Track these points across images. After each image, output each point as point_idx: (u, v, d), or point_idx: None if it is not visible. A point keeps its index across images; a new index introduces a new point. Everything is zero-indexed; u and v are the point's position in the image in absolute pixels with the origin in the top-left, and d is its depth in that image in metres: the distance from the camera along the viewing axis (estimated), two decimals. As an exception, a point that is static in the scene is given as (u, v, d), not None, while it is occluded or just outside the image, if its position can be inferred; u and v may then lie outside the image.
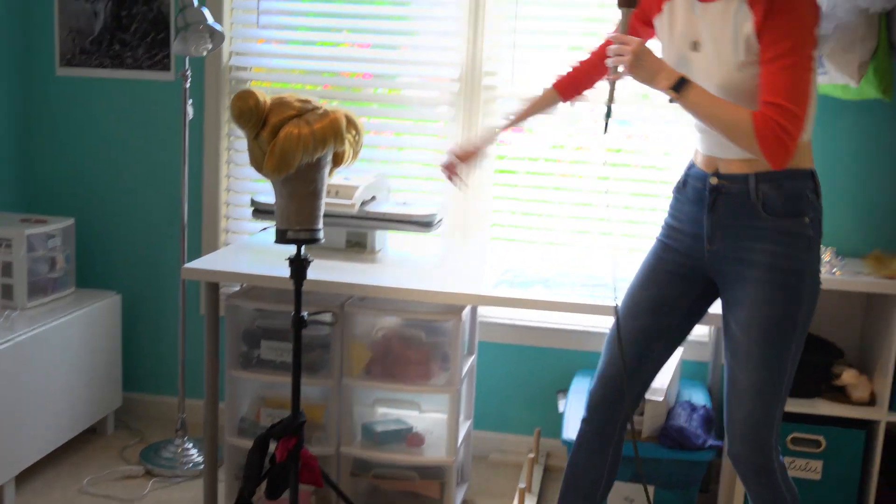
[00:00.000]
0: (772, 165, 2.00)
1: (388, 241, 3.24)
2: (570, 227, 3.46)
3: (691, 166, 2.28)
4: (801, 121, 1.96)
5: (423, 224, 3.04)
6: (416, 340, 2.92)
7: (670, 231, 2.31)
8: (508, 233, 3.50)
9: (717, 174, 2.15)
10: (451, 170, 2.62)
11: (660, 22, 2.23)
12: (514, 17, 3.34)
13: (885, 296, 2.96)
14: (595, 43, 2.47)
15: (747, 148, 2.00)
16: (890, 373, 2.93)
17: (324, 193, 2.42)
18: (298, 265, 2.43)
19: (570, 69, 2.49)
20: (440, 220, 3.11)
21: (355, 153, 2.45)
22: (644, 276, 2.35)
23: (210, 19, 3.02)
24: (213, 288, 2.80)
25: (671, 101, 2.05)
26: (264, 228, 3.37)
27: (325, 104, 2.37)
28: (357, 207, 2.99)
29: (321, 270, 2.73)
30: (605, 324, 3.21)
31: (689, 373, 3.35)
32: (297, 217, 2.37)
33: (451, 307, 2.89)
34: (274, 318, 2.94)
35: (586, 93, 2.51)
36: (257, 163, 2.33)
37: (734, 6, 2.02)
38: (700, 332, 3.37)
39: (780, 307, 2.09)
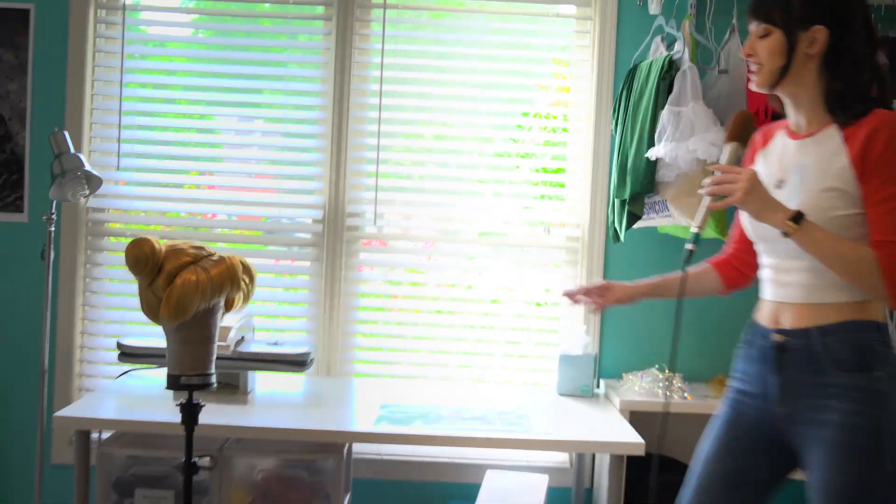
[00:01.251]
0: (893, 304, 1.95)
1: (257, 382, 3.24)
2: (435, 361, 3.57)
3: (753, 323, 2.22)
4: None
5: (297, 363, 3.07)
6: (298, 480, 2.91)
7: (738, 395, 2.22)
8: (373, 369, 3.57)
9: (779, 330, 2.10)
10: (589, 294, 2.55)
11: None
12: (374, 162, 3.49)
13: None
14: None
15: (868, 285, 1.96)
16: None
17: (216, 338, 2.43)
18: (190, 410, 2.41)
19: (725, 255, 2.47)
20: (312, 359, 3.15)
21: (247, 297, 2.48)
22: (718, 442, 2.23)
23: (87, 165, 3.00)
24: (84, 437, 2.71)
25: (785, 234, 1.96)
26: (125, 372, 3.29)
27: (219, 250, 2.40)
28: (231, 348, 2.99)
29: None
30: (481, 455, 3.35)
31: (552, 499, 3.47)
32: (191, 362, 2.35)
33: (331, 445, 2.91)
34: (149, 464, 2.85)
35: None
36: (151, 309, 2.31)
37: (830, 139, 2.02)
38: (562, 458, 3.53)
39: (857, 471, 1.96)
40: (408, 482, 3.51)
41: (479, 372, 3.57)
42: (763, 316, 2.18)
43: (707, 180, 2.04)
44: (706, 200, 2.04)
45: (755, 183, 1.97)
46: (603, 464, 3.07)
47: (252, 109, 3.58)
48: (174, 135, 3.58)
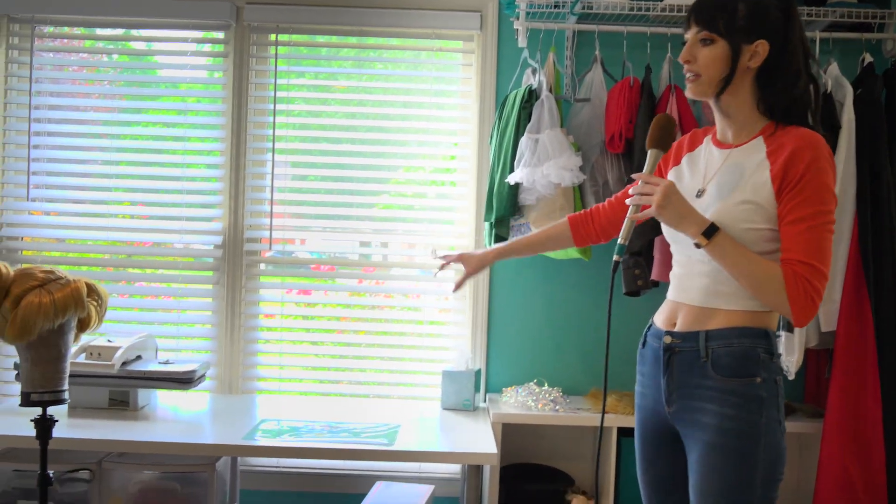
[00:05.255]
0: (797, 322, 1.98)
1: (158, 398, 3.43)
2: (333, 378, 3.74)
3: (651, 324, 2.28)
4: (826, 279, 1.97)
5: (184, 381, 3.24)
6: (172, 492, 3.08)
7: (639, 397, 2.30)
8: (274, 385, 3.74)
9: (670, 332, 2.16)
10: (449, 259, 2.66)
11: (675, 173, 2.26)
12: (270, 188, 3.68)
13: (605, 427, 3.35)
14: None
15: (772, 302, 2.00)
16: (611, 495, 3.29)
17: (69, 356, 2.60)
18: (43, 426, 2.58)
19: (590, 209, 2.52)
20: (201, 377, 3.32)
21: (100, 318, 2.66)
22: (639, 453, 2.31)
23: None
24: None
25: (698, 246, 2.03)
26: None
27: (69, 274, 2.58)
28: (117, 367, 3.17)
29: (79, 429, 2.89)
30: (373, 466, 3.52)
31: (442, 510, 3.63)
32: (42, 380, 2.53)
33: (206, 458, 3.08)
34: (31, 477, 3.04)
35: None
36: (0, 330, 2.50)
37: (755, 152, 2.06)
38: (452, 469, 3.68)
39: (733, 473, 2.02)
40: (297, 493, 3.67)
41: (372, 388, 3.74)
42: (660, 317, 2.24)
43: (631, 190, 2.09)
44: (630, 211, 2.08)
45: (671, 193, 2.01)
46: (490, 475, 3.21)
47: (154, 142, 3.76)
48: (81, 167, 3.76)
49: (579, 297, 3.64)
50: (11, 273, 2.49)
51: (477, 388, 3.52)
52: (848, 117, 3.11)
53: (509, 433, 3.46)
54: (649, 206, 2.03)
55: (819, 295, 1.96)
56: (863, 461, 3.08)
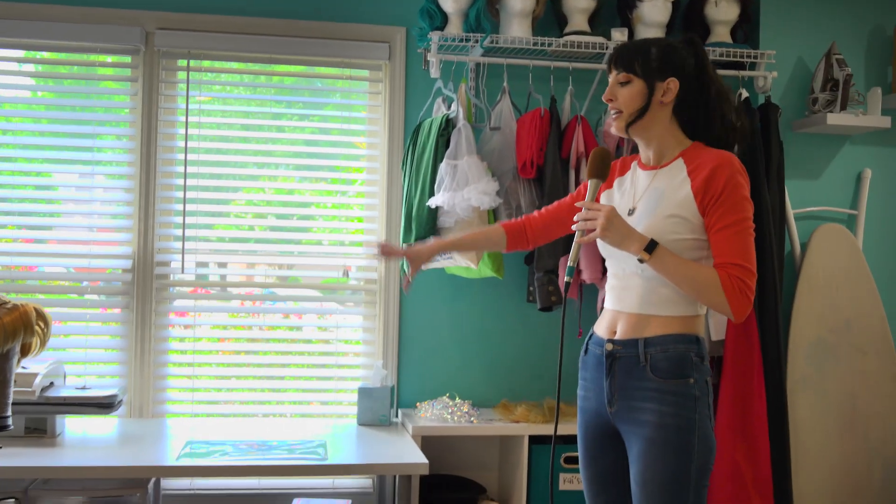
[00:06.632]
0: (736, 318, 2.20)
1: (67, 426, 3.38)
2: (244, 398, 3.79)
3: (592, 333, 2.46)
4: (755, 276, 2.20)
5: (105, 406, 3.22)
6: (103, 517, 3.06)
7: (582, 401, 2.47)
8: (184, 409, 3.75)
9: (611, 340, 2.35)
10: (387, 251, 2.67)
11: (606, 196, 2.47)
12: (181, 213, 3.70)
13: (514, 437, 3.56)
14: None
15: (714, 303, 2.20)
16: (523, 502, 3.49)
17: (12, 382, 2.58)
18: (-13, 452, 2.55)
19: (522, 218, 2.66)
20: (120, 401, 3.31)
21: (43, 343, 2.65)
22: (582, 450, 2.47)
23: None
24: None
25: (641, 261, 2.21)
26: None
27: (14, 299, 2.56)
28: (38, 393, 3.13)
29: (1, 457, 2.83)
30: (287, 484, 3.59)
31: (358, 523, 3.73)
32: (-14, 406, 2.51)
33: (136, 481, 3.08)
34: (-47, 510, 2.96)
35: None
36: (-54, 356, 2.46)
37: (677, 171, 2.29)
38: (365, 483, 3.79)
39: (672, 464, 2.21)
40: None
41: (284, 407, 3.81)
42: (600, 326, 2.43)
43: (576, 217, 2.27)
44: (577, 236, 2.25)
45: (613, 217, 2.20)
46: (398, 487, 3.34)
47: (64, 165, 3.73)
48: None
49: (484, 314, 3.84)
50: (-43, 298, 2.46)
51: (391, 404, 3.66)
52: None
53: (423, 445, 3.61)
54: (594, 231, 2.23)
55: (751, 291, 2.19)
56: (751, 456, 3.42)
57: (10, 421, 2.58)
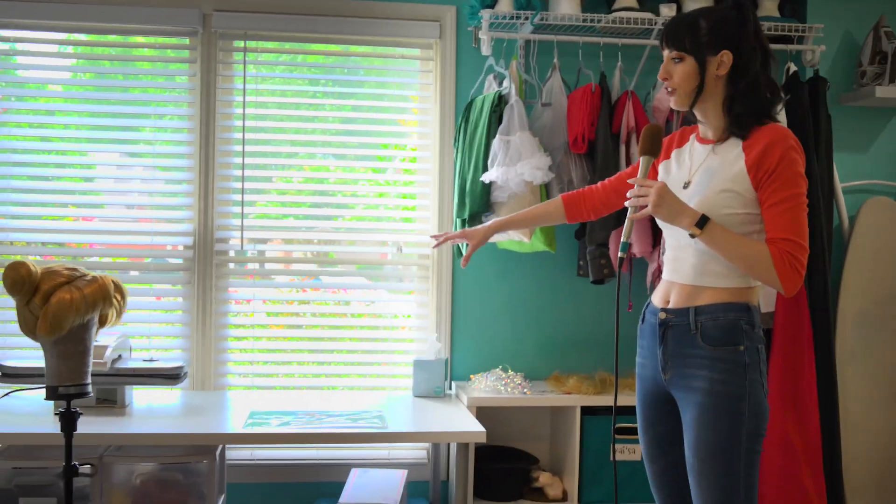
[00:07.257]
0: (787, 292, 2.23)
1: (134, 397, 3.50)
2: (303, 372, 3.90)
3: (648, 303, 2.53)
4: (807, 251, 2.22)
5: (172, 377, 3.34)
6: (174, 483, 3.18)
7: (639, 368, 2.54)
8: (245, 381, 3.86)
9: (665, 309, 2.41)
10: (445, 239, 2.85)
11: (664, 167, 2.53)
12: (240, 192, 3.80)
13: (566, 408, 3.63)
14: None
15: (765, 278, 2.23)
16: (576, 472, 3.57)
17: (91, 351, 2.69)
18: (69, 418, 2.66)
19: (585, 188, 2.77)
20: (186, 373, 3.43)
21: (119, 314, 2.75)
22: (640, 416, 2.55)
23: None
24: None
25: (693, 236, 2.26)
26: (7, 393, 3.49)
27: (90, 272, 2.67)
28: (108, 365, 3.25)
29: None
30: (346, 455, 3.69)
31: (413, 492, 3.82)
32: (68, 374, 2.60)
33: (204, 448, 3.20)
34: (32, 475, 3.08)
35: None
36: (29, 326, 2.56)
37: (732, 147, 2.32)
38: (420, 454, 3.89)
39: (723, 430, 2.27)
40: (278, 483, 3.80)
41: (342, 380, 3.91)
42: (657, 295, 2.49)
43: (628, 193, 2.32)
44: (630, 212, 2.31)
45: (665, 193, 2.25)
46: (455, 456, 3.43)
47: (126, 146, 3.85)
48: (52, 170, 3.82)
49: (535, 289, 3.92)
50: (39, 270, 2.57)
51: (446, 376, 3.74)
52: (781, 120, 3.49)
53: (477, 417, 3.69)
54: (646, 207, 2.28)
55: (802, 266, 2.21)
56: (801, 425, 3.47)
57: (90, 388, 2.68)
